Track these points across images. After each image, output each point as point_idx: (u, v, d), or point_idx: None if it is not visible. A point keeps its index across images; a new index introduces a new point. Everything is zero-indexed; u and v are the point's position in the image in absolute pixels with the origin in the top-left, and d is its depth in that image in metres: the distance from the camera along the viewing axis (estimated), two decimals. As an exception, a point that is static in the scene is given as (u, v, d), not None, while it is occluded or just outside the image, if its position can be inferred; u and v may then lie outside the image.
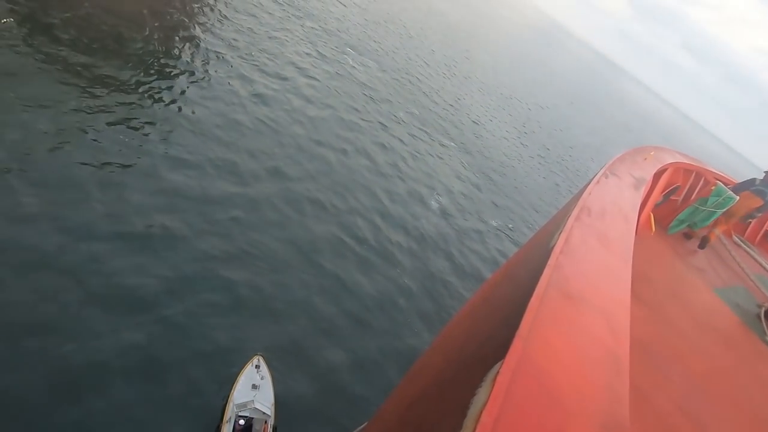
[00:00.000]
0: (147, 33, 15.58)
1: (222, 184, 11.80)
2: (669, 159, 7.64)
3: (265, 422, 7.49)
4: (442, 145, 22.82)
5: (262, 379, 7.89)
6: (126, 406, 6.81)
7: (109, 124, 11.21)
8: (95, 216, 9.00)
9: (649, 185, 6.14)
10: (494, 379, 1.67)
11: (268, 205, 12.10)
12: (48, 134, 9.95)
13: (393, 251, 13.47)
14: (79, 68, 12.26)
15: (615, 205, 3.95)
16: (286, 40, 22.05)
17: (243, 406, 7.39)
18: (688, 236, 7.82)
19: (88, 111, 11.20)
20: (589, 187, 3.90)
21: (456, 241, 16.04)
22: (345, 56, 25.14)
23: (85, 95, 11.57)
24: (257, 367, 8.03)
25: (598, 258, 2.98)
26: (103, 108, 11.55)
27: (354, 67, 24.60)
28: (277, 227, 11.65)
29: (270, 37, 21.16)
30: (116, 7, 15.70)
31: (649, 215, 7.06)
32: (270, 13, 23.54)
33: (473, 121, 29.30)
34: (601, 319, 2.36)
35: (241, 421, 7.37)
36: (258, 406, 7.39)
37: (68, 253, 8.10)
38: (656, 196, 7.64)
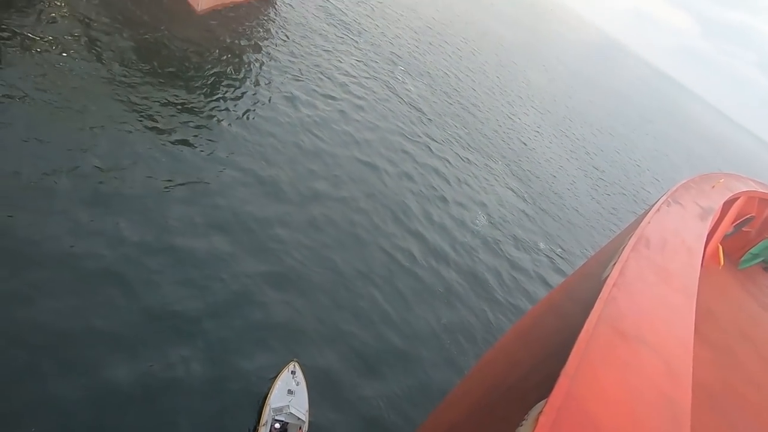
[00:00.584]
0: (214, 56, 16.77)
1: (272, 203, 12.30)
2: (741, 187, 7.05)
3: (300, 427, 7.65)
4: (491, 166, 22.48)
5: (297, 384, 8.10)
6: (168, 408, 7.14)
7: (173, 142, 12.10)
8: (155, 228, 9.66)
9: (718, 215, 5.66)
10: (537, 419, 1.60)
11: (316, 225, 12.42)
12: (117, 150, 10.89)
13: (436, 273, 13.33)
14: (148, 88, 13.37)
15: (677, 236, 3.67)
16: (340, 62, 22.83)
17: (279, 410, 7.60)
18: (766, 270, 7.14)
19: (154, 130, 12.16)
20: (649, 215, 3.65)
21: (501, 264, 15.61)
22: (396, 76, 25.62)
23: (152, 114, 12.58)
24: (293, 372, 8.25)
25: (658, 293, 2.73)
26: (168, 127, 12.50)
27: (406, 87, 24.98)
28: (324, 247, 11.92)
29: (324, 59, 22.02)
30: (187, 33, 17.06)
31: (717, 247, 6.50)
32: (324, 36, 24.55)
33: (524, 143, 28.70)
34: (658, 361, 2.16)
35: (277, 425, 7.57)
36: (293, 411, 7.58)
37: (128, 264, 8.73)
38: (726, 227, 7.05)
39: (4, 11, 12.64)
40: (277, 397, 7.78)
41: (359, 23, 29.95)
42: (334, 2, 30.47)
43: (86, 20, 14.46)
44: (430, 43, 36.22)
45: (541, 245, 18.43)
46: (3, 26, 12.10)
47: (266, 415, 7.56)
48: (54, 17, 13.77)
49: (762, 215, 8.01)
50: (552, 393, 1.70)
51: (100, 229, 8.95)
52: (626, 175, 37.24)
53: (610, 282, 2.52)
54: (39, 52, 12.14)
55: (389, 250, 13.05)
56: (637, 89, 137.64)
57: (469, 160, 21.65)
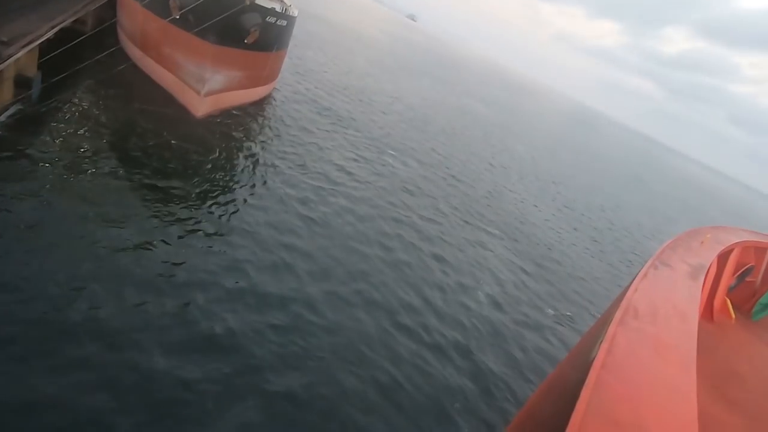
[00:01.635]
0: (213, 157, 17.74)
1: (274, 285, 12.23)
2: (733, 238, 7.05)
3: None
4: (487, 236, 22.72)
5: None
6: None
7: (179, 236, 12.38)
8: (167, 315, 9.52)
9: (715, 270, 5.58)
10: None
11: (319, 305, 12.24)
12: (126, 244, 11.09)
13: (443, 348, 12.86)
14: (154, 188, 13.98)
15: (668, 301, 3.51)
16: (333, 152, 24.09)
17: None
18: None
19: (162, 224, 12.49)
20: (635, 282, 3.55)
21: (509, 333, 15.11)
22: (387, 158, 26.86)
23: (159, 210, 13.02)
24: None
25: (653, 369, 2.52)
26: (175, 220, 12.86)
27: (395, 167, 26.09)
28: (326, 328, 11.63)
29: (318, 150, 23.26)
30: (189, 134, 18.23)
31: (725, 301, 6.35)
32: (318, 129, 26.19)
33: (517, 210, 29.30)
34: None
35: None
36: None
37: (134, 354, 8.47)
38: (728, 280, 6.96)
39: (18, 131, 13.63)
40: None
41: (350, 114, 32.11)
42: (325, 99, 32.96)
43: (95, 133, 15.53)
44: (416, 127, 38.49)
45: (549, 311, 17.99)
46: (20, 145, 12.97)
47: None
48: (64, 133, 14.80)
49: (761, 264, 7.97)
50: None
51: (115, 327, 8.79)
52: (625, 233, 37.47)
53: (597, 364, 2.34)
54: (50, 165, 12.86)
55: (392, 325, 12.71)
56: (620, 151, 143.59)
57: (464, 230, 21.91)
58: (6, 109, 14.15)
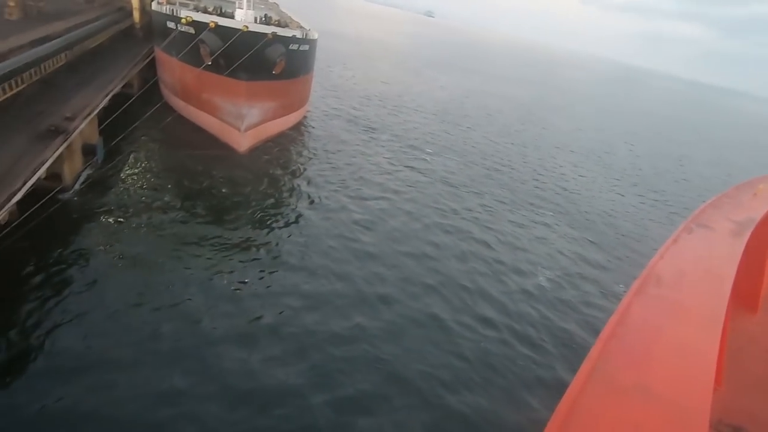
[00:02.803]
0: (262, 185, 18.72)
1: (338, 316, 12.68)
2: None
3: None
4: (540, 217, 22.03)
5: None
6: None
7: (240, 262, 13.24)
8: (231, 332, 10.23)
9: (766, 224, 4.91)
10: None
11: (391, 332, 12.34)
12: (198, 276, 12.02)
13: (506, 335, 12.68)
14: (212, 224, 15.00)
15: (699, 266, 3.19)
16: (373, 161, 24.48)
17: None
18: None
19: (225, 255, 13.40)
20: (661, 249, 3.27)
21: (575, 312, 14.58)
22: (425, 157, 26.85)
23: (221, 243, 13.97)
24: None
25: (669, 336, 2.35)
26: (236, 250, 13.74)
27: (435, 165, 26.00)
28: (394, 331, 11.89)
29: (358, 163, 23.72)
30: (236, 169, 19.35)
31: None
32: (354, 142, 26.73)
33: (567, 188, 28.13)
34: (671, 411, 1.80)
35: None
36: None
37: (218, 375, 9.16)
38: None
39: (90, 194, 15.17)
40: None
41: (382, 121, 32.48)
42: (356, 111, 33.60)
43: (154, 183, 16.94)
44: (450, 122, 38.14)
45: (621, 287, 17.13)
46: (94, 207, 14.45)
47: None
48: (128, 189, 16.27)
49: None
50: None
51: (179, 347, 9.58)
52: (689, 190, 34.77)
53: (603, 336, 2.26)
54: (121, 219, 14.22)
55: (458, 317, 12.71)
56: (674, 104, 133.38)
57: (518, 222, 21.39)
58: (78, 176, 15.80)
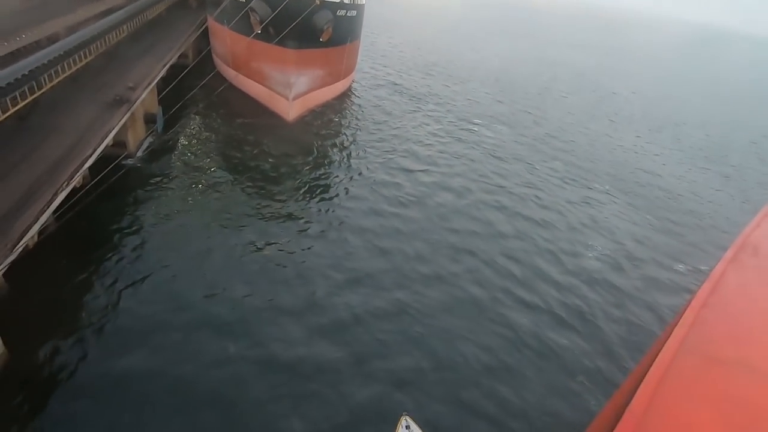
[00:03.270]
0: (310, 153, 19.05)
1: (381, 265, 12.88)
2: None
3: None
4: (594, 192, 20.88)
5: None
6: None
7: (288, 232, 13.71)
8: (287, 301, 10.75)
9: None
10: None
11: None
12: (251, 241, 12.63)
13: (559, 310, 12.38)
14: (263, 191, 15.53)
15: None
16: (420, 132, 24.06)
17: None
18: None
19: (276, 222, 13.92)
20: (757, 218, 2.99)
21: (631, 291, 13.93)
22: (473, 128, 25.97)
23: (273, 210, 14.50)
24: (407, 427, 8.32)
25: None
26: (286, 217, 14.23)
27: (483, 135, 25.11)
28: (438, 308, 11.97)
29: (404, 133, 23.40)
30: (285, 138, 19.73)
31: None
32: (401, 111, 26.30)
33: (628, 161, 26.32)
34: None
35: None
36: None
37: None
38: None
39: (152, 161, 16.11)
40: None
41: (430, 90, 31.62)
42: (404, 79, 32.86)
43: (209, 151, 17.69)
44: (500, 91, 36.46)
45: (680, 266, 16.10)
46: (155, 173, 15.37)
47: None
48: (186, 156, 17.11)
49: None
50: None
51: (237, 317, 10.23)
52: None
53: (696, 303, 2.07)
54: (180, 184, 15.05)
55: (511, 290, 12.57)
56: (762, 69, 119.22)
57: (572, 198, 20.43)
58: (141, 144, 16.79)
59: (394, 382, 9.66)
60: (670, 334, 1.80)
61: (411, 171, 19.23)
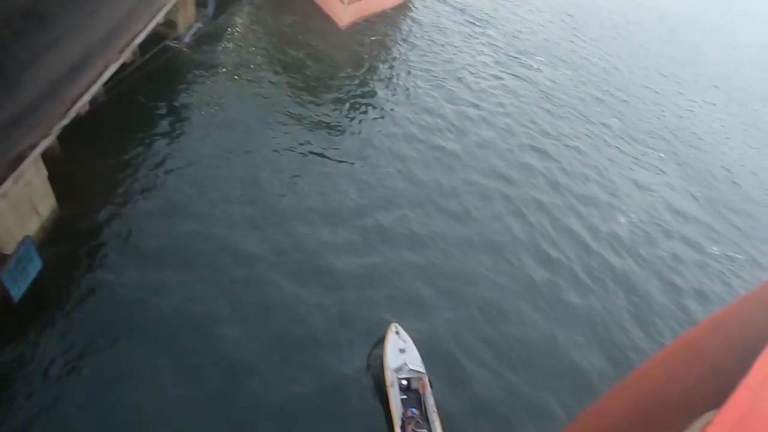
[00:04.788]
0: (359, 63, 18.35)
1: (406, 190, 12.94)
2: None
3: (421, 379, 8.42)
4: (649, 159, 19.72)
5: (405, 342, 8.76)
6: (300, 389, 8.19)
7: (327, 143, 13.80)
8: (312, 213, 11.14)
9: None
10: (703, 428, 1.48)
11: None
12: (287, 143, 12.78)
13: (586, 278, 12.44)
14: (307, 93, 15.41)
15: None
16: (477, 61, 22.56)
17: (399, 369, 8.35)
18: None
19: (315, 126, 13.94)
20: None
21: (662, 270, 13.69)
22: (533, 64, 24.17)
23: (313, 114, 14.56)
24: (397, 333, 8.91)
25: None
26: (325, 124, 14.25)
27: (543, 76, 23.43)
28: (467, 242, 12.13)
29: (461, 59, 22.00)
30: (335, 44, 18.95)
31: None
32: (460, 35, 24.48)
33: (692, 131, 24.35)
34: None
35: (403, 382, 8.40)
36: (411, 366, 8.36)
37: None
38: None
39: (199, 46, 15.87)
40: (392, 359, 8.49)
41: (494, 13, 29.03)
42: (468, 1, 30.14)
43: (257, 44, 17.22)
44: (572, 28, 33.13)
45: (714, 249, 15.56)
46: (201, 58, 15.22)
47: (389, 378, 8.32)
48: (234, 46, 16.73)
49: None
50: (726, 403, 1.52)
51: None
52: None
53: None
54: (225, 73, 14.95)
55: (537, 246, 12.61)
56: None
57: (621, 160, 19.36)
58: (191, 27, 16.39)
59: (398, 299, 10.18)
60: None
61: (457, 103, 18.41)
